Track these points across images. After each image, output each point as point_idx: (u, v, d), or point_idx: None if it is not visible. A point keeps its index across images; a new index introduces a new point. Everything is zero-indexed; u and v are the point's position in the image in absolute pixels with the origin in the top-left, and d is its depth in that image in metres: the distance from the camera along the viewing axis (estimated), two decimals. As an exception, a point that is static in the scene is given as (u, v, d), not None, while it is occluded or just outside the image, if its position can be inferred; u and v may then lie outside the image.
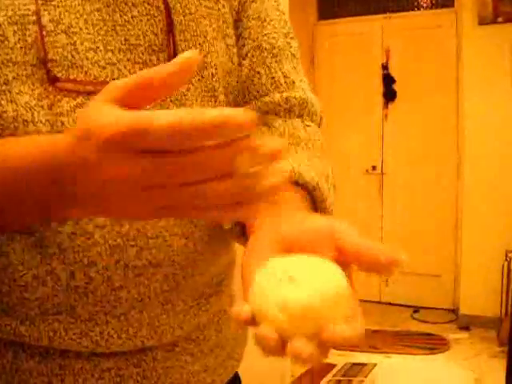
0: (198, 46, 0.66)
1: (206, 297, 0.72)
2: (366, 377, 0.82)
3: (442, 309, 4.77)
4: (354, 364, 0.89)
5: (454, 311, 4.64)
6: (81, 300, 0.62)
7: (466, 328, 4.31)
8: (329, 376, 0.86)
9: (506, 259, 3.88)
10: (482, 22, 4.12)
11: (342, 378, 0.82)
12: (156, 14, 0.64)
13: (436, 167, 4.69)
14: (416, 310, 4.83)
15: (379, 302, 5.06)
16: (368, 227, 4.75)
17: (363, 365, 0.87)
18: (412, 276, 4.83)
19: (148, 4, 0.63)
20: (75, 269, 0.60)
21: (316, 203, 0.63)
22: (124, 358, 0.65)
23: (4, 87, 0.57)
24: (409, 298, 4.91)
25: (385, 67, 4.86)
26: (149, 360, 0.67)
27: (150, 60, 0.63)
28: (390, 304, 5.03)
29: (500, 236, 4.06)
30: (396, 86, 4.82)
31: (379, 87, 4.89)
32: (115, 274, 0.62)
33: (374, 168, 4.95)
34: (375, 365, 0.87)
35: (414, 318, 4.72)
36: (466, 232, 4.41)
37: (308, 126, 0.73)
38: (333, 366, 0.91)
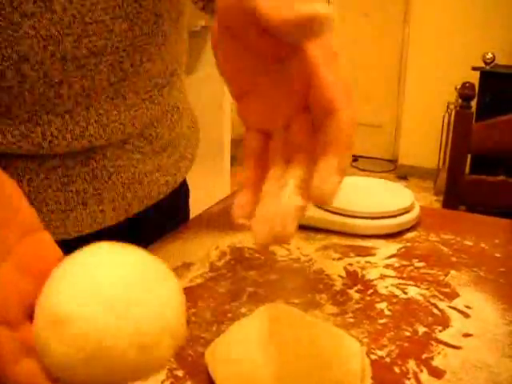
0: None
1: (159, 88, 0.67)
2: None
3: (382, 159, 4.87)
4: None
5: (393, 161, 4.74)
6: (16, 101, 0.55)
7: (404, 178, 4.44)
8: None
9: (447, 111, 3.91)
10: None
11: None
12: None
13: (383, 13, 4.55)
14: (355, 158, 4.91)
15: (320, 151, 5.12)
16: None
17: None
18: (353, 125, 4.85)
19: None
20: (5, 67, 0.53)
21: None
22: (71, 156, 0.61)
23: None
24: (349, 147, 4.97)
25: None
26: (98, 158, 0.63)
27: None
28: (330, 153, 5.09)
29: (442, 87, 4.06)
30: None
31: None
32: (52, 68, 0.55)
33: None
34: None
35: (353, 167, 4.81)
36: (409, 83, 4.39)
37: None
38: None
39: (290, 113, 0.41)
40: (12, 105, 0.55)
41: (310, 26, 0.35)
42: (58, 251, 0.39)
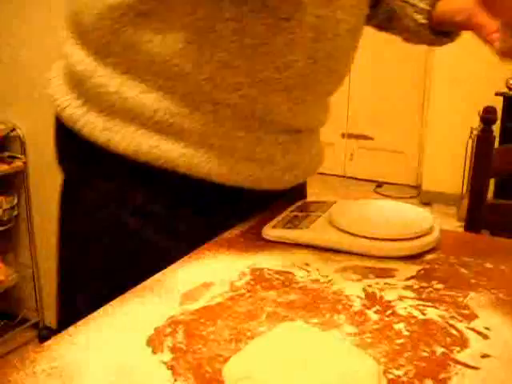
0: None
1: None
2: (323, 212, 0.81)
3: (405, 185, 4.85)
4: (313, 202, 0.89)
5: (417, 187, 4.72)
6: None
7: (427, 204, 4.41)
8: (286, 211, 0.87)
9: (471, 136, 3.90)
10: None
11: (299, 213, 0.82)
12: None
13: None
14: (379, 184, 4.90)
15: (344, 176, 5.12)
16: (334, 101, 4.68)
17: (322, 202, 0.86)
18: (377, 151, 4.86)
19: None
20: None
21: None
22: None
23: None
24: (373, 173, 4.96)
25: None
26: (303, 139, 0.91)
27: None
28: (354, 178, 5.09)
29: (465, 113, 4.05)
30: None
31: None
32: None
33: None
34: (334, 202, 0.87)
35: (376, 193, 4.80)
36: (432, 108, 4.39)
37: None
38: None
39: None
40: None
41: None
42: None
